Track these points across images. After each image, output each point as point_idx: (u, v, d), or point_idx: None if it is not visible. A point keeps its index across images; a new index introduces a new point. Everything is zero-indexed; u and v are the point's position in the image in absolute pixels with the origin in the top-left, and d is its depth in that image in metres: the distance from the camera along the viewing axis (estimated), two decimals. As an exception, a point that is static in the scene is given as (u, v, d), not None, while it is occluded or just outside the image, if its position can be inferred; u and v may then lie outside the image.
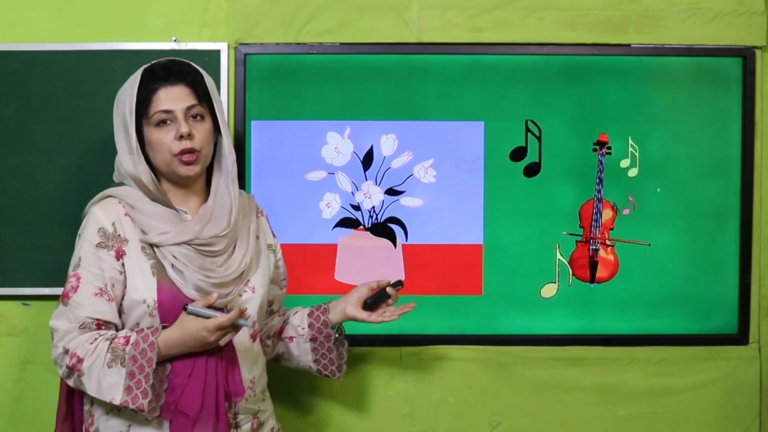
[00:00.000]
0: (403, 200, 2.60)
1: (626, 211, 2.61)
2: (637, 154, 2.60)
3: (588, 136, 2.61)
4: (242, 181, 2.54)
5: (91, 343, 1.84)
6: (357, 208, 2.59)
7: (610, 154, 2.61)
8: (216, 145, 2.01)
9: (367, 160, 2.59)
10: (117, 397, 1.80)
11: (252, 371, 1.98)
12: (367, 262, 2.60)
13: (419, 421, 2.64)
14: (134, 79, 1.95)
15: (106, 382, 1.81)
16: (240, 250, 1.97)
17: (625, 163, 2.61)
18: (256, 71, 2.55)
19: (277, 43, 2.56)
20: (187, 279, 1.88)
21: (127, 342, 1.82)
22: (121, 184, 1.99)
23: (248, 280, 1.99)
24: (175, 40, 2.53)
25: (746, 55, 2.61)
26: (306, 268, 2.57)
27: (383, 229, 2.60)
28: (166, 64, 1.97)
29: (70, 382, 1.89)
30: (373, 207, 2.60)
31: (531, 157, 2.59)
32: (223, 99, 2.51)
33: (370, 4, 2.56)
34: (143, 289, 1.89)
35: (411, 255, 2.60)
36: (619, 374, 2.65)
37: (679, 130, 2.62)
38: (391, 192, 2.60)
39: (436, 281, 2.61)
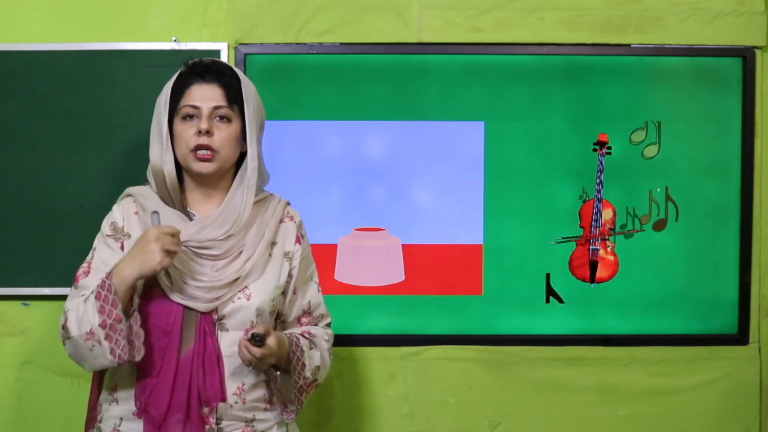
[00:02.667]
0: (403, 200, 2.60)
1: (645, 219, 2.62)
2: (657, 127, 2.59)
3: (588, 136, 2.61)
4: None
5: (81, 299, 1.88)
6: (357, 208, 2.59)
7: (610, 154, 2.61)
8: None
9: (367, 160, 2.59)
10: (95, 321, 1.79)
11: (241, 378, 1.93)
12: (367, 262, 2.60)
13: (419, 421, 2.64)
14: (176, 73, 1.98)
15: (82, 313, 1.82)
16: (244, 256, 1.94)
17: (639, 135, 2.60)
18: (256, 71, 2.55)
19: (277, 43, 2.56)
20: (172, 280, 1.88)
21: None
22: (147, 183, 2.01)
23: (245, 287, 1.94)
24: (175, 40, 2.53)
25: (746, 55, 2.61)
26: (306, 268, 2.58)
27: (383, 228, 2.60)
28: (207, 63, 1.98)
29: (65, 346, 1.89)
30: (374, 207, 2.60)
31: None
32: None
33: (370, 4, 2.56)
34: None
35: (411, 255, 2.60)
36: (619, 374, 2.65)
37: (679, 130, 2.62)
38: (391, 192, 2.60)
39: (436, 281, 2.61)
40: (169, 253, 1.79)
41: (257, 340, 1.82)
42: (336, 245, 2.60)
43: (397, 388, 2.63)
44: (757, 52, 2.62)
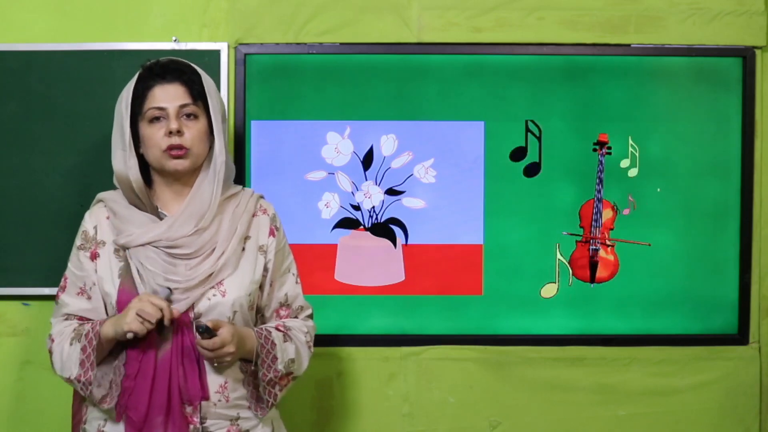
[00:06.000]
0: (403, 200, 2.60)
1: (626, 211, 2.62)
2: (637, 154, 2.60)
3: (588, 136, 2.61)
4: (242, 181, 2.54)
5: (66, 327, 1.94)
6: (357, 208, 2.59)
7: (610, 154, 2.61)
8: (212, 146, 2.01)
9: (367, 160, 2.59)
10: (73, 371, 1.87)
11: (224, 376, 1.93)
12: (367, 262, 2.60)
13: (419, 421, 2.64)
14: (134, 77, 1.98)
15: (66, 357, 1.89)
16: (217, 252, 1.93)
17: (625, 163, 2.61)
18: (256, 71, 2.56)
19: (277, 43, 2.56)
20: (146, 282, 1.89)
21: (88, 323, 1.91)
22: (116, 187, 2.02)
23: (220, 283, 1.93)
24: (175, 40, 2.53)
25: (746, 55, 2.61)
26: (306, 268, 2.57)
27: (383, 229, 2.60)
28: (165, 63, 1.98)
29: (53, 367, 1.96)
30: (373, 207, 2.60)
31: (531, 157, 2.60)
32: (223, 99, 2.51)
33: (370, 4, 2.56)
34: (110, 290, 1.93)
35: (411, 255, 2.60)
36: (619, 374, 2.65)
37: (679, 130, 2.62)
38: (391, 192, 2.60)
39: (436, 281, 2.61)
40: (143, 321, 1.81)
41: (201, 331, 1.82)
42: (336, 245, 2.60)
43: (397, 388, 2.63)
44: (757, 52, 2.62)
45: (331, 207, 2.59)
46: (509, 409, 2.64)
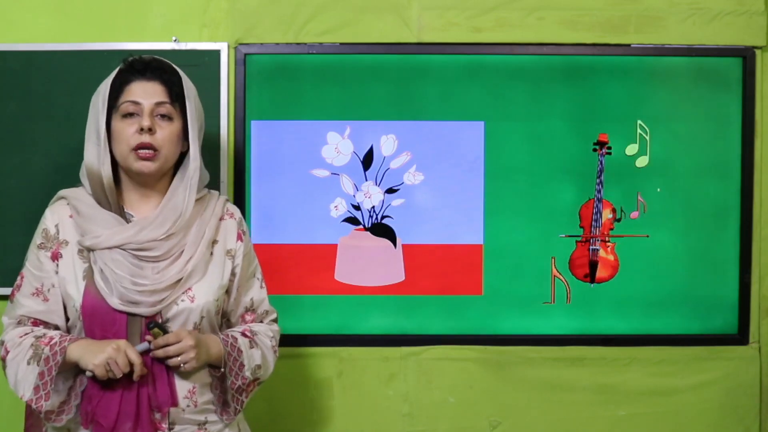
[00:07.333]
0: (403, 200, 2.60)
1: (634, 214, 2.61)
2: (647, 139, 2.59)
3: (588, 136, 2.61)
4: (242, 182, 2.54)
5: (21, 337, 1.87)
6: (357, 208, 2.59)
7: (610, 154, 2.61)
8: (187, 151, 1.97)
9: (367, 160, 2.59)
10: (26, 394, 1.82)
11: (192, 381, 1.91)
12: (367, 262, 2.60)
13: (419, 421, 2.64)
14: (114, 71, 1.95)
15: (21, 377, 1.84)
16: (185, 255, 1.91)
17: (632, 149, 2.60)
18: (256, 71, 2.56)
19: (277, 43, 2.56)
20: (112, 286, 1.85)
21: (48, 342, 1.84)
22: (80, 184, 1.98)
23: (189, 288, 1.91)
24: (175, 40, 2.53)
25: (746, 55, 2.61)
26: (306, 268, 2.57)
27: (383, 228, 2.60)
28: (147, 60, 1.95)
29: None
30: (373, 207, 2.60)
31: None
32: (223, 99, 2.51)
33: (370, 4, 2.56)
34: (74, 293, 1.88)
35: (411, 255, 2.60)
36: (619, 374, 2.65)
37: (679, 130, 2.62)
38: (391, 192, 2.60)
39: (436, 281, 2.61)
40: (108, 368, 1.78)
41: (151, 327, 1.81)
42: (336, 245, 2.60)
43: (397, 388, 2.63)
44: (757, 52, 2.62)
45: (338, 208, 2.59)
46: (509, 409, 2.64)
